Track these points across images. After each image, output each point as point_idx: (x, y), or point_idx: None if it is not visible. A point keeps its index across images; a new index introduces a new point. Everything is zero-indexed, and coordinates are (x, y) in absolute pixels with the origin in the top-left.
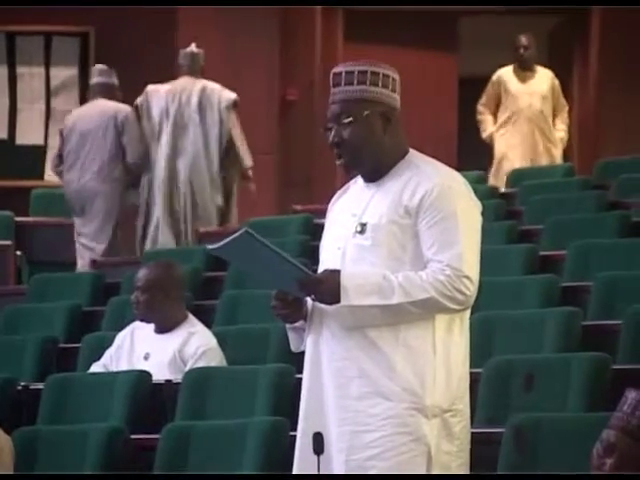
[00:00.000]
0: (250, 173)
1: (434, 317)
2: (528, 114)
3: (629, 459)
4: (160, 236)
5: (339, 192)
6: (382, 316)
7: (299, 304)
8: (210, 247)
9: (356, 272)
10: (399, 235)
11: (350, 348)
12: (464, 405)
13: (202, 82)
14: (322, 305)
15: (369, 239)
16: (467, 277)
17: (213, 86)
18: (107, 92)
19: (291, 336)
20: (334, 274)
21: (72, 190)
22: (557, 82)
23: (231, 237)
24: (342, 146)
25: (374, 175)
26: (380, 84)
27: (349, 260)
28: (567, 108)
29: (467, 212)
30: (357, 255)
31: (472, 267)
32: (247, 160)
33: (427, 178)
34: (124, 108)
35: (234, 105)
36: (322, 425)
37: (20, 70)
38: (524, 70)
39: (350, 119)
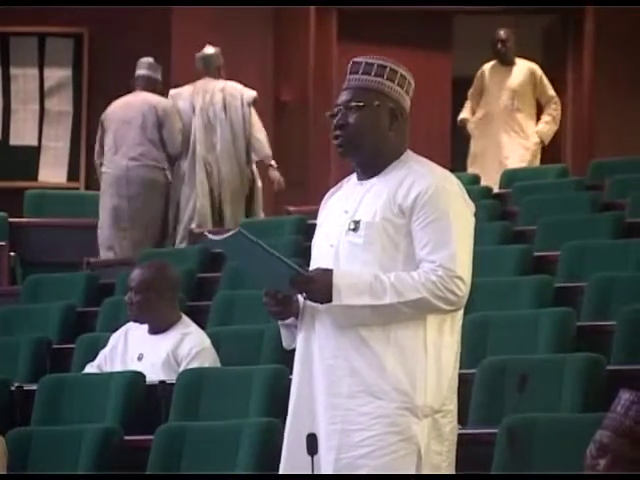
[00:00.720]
0: (273, 162)
1: (425, 317)
2: (497, 113)
3: (622, 460)
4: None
5: (332, 190)
6: (373, 316)
7: (289, 301)
8: (211, 237)
9: (348, 271)
10: (392, 234)
11: (341, 347)
12: (454, 406)
13: (221, 82)
14: (314, 304)
15: (362, 237)
16: (459, 277)
17: (233, 84)
18: (150, 85)
19: (283, 333)
20: (326, 273)
21: (115, 176)
22: (540, 73)
23: (224, 236)
24: (345, 129)
25: (368, 169)
26: (396, 82)
27: (342, 258)
28: (556, 99)
29: (460, 213)
30: (350, 253)
31: (464, 268)
32: (268, 150)
33: (422, 178)
34: (165, 101)
35: (254, 102)
36: (311, 423)
37: (14, 71)
38: (503, 65)
39: (360, 104)
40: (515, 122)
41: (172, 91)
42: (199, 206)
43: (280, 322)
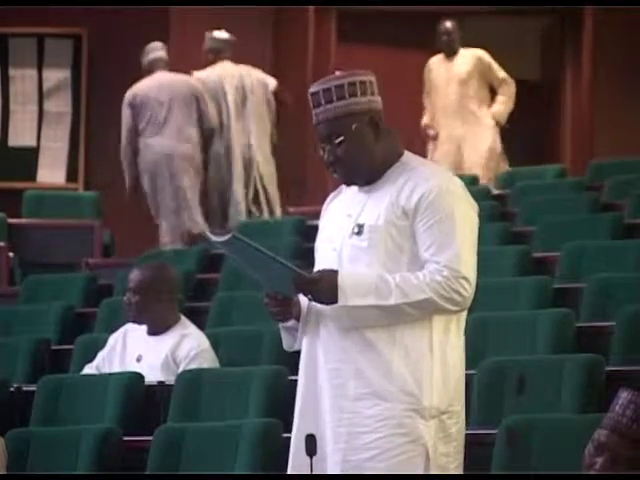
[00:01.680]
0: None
1: (431, 318)
2: (450, 106)
3: (619, 458)
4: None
5: (333, 194)
6: (379, 317)
7: (289, 303)
8: (210, 237)
9: (353, 272)
10: (396, 236)
11: (347, 349)
12: (461, 406)
13: (242, 66)
14: (319, 305)
15: (366, 240)
16: (465, 278)
17: (255, 70)
18: (169, 66)
19: (283, 335)
20: (331, 274)
21: (161, 156)
22: (487, 59)
23: (220, 239)
24: (338, 164)
25: (371, 180)
26: (359, 92)
27: (345, 261)
28: (508, 80)
29: (464, 214)
30: (353, 256)
31: (470, 268)
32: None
33: (424, 180)
34: (194, 79)
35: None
36: (317, 425)
37: (12, 72)
38: (448, 57)
39: (341, 138)
40: (468, 112)
41: (197, 73)
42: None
43: (281, 324)
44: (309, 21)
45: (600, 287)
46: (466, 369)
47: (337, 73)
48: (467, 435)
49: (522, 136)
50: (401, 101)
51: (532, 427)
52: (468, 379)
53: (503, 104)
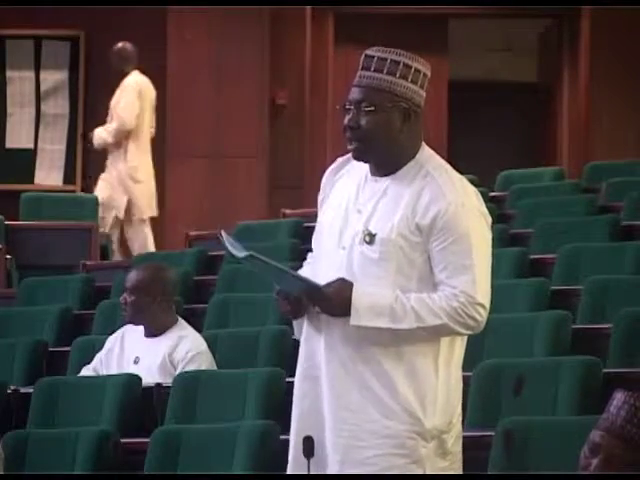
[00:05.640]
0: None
1: (439, 338)
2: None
3: (614, 459)
4: None
5: (339, 162)
6: (391, 337)
7: (300, 302)
8: (224, 241)
9: (368, 292)
10: (408, 251)
11: (352, 358)
12: (457, 417)
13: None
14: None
15: (377, 252)
16: (480, 304)
17: None
18: None
19: (295, 326)
20: (345, 288)
21: None
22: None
23: (237, 254)
24: (356, 132)
25: (381, 168)
26: (410, 78)
27: (355, 268)
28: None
29: (479, 232)
30: (364, 265)
31: (485, 294)
32: None
33: (441, 195)
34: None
35: None
36: (318, 429)
37: (10, 74)
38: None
39: (371, 108)
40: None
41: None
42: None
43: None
44: (306, 23)
45: (597, 289)
46: (463, 371)
47: (399, 50)
48: (464, 437)
49: (519, 138)
50: None
51: (529, 429)
52: (465, 381)
53: (105, 131)
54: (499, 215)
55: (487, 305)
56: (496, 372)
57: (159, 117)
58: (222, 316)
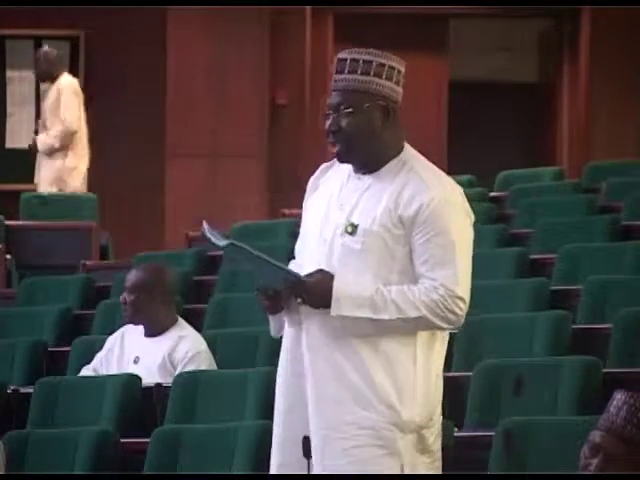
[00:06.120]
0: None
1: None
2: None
3: (614, 459)
4: None
5: (324, 166)
6: (370, 328)
7: (280, 297)
8: (206, 232)
9: (349, 282)
10: (390, 243)
11: (330, 350)
12: (438, 415)
13: None
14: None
15: (359, 243)
16: (460, 298)
17: None
18: None
19: (271, 322)
20: (325, 280)
21: None
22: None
23: (218, 243)
24: (338, 134)
25: (365, 167)
26: (384, 76)
27: (336, 259)
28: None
29: (462, 228)
30: (345, 257)
31: (465, 288)
32: None
33: (424, 189)
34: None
35: None
36: (304, 423)
37: (10, 74)
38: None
39: (350, 109)
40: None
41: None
42: None
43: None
44: (306, 22)
45: (597, 289)
46: (463, 371)
47: (372, 49)
48: (464, 437)
49: (519, 138)
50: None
51: (529, 429)
52: (465, 381)
53: (50, 136)
54: (499, 215)
55: (467, 300)
56: (496, 372)
57: (159, 117)
58: (222, 316)
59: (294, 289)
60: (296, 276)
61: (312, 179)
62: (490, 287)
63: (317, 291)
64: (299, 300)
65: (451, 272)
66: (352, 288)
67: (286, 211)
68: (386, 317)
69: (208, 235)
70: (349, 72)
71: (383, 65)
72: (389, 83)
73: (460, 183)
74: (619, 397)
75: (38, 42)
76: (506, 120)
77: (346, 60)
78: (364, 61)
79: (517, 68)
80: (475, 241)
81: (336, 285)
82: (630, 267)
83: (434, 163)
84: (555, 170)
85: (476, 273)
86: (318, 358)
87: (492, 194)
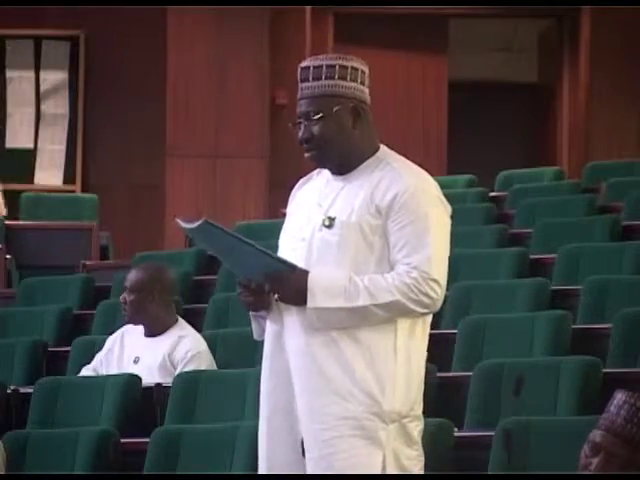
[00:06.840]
0: None
1: (396, 320)
2: None
3: (614, 459)
4: None
5: (302, 180)
6: (348, 319)
7: (262, 291)
8: (181, 225)
9: (323, 274)
10: (368, 234)
11: (310, 344)
12: (419, 403)
13: None
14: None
15: (337, 235)
16: (434, 280)
17: None
18: None
19: (253, 324)
20: (301, 275)
21: None
22: None
23: (190, 226)
24: (311, 142)
25: (342, 169)
26: (349, 78)
27: (315, 255)
28: None
29: (438, 216)
30: (323, 251)
31: (440, 271)
32: None
33: (400, 179)
34: None
35: None
36: (292, 420)
37: (10, 74)
38: None
39: (320, 115)
40: None
41: None
42: None
43: (251, 313)
44: (306, 23)
45: (597, 289)
46: (463, 371)
47: (332, 54)
48: (464, 437)
49: (519, 138)
50: (399, 102)
51: (529, 429)
52: (465, 381)
53: None
54: (499, 215)
55: (443, 283)
56: (496, 372)
57: (159, 117)
58: (222, 316)
59: (272, 277)
60: (274, 257)
61: (293, 192)
62: (490, 287)
63: (293, 288)
64: (276, 297)
65: (425, 255)
66: (325, 280)
67: (283, 211)
68: (360, 304)
69: (182, 225)
70: (314, 79)
71: (346, 67)
72: (355, 84)
73: (460, 183)
74: (619, 397)
75: (38, 42)
76: (506, 120)
77: (309, 68)
78: (327, 66)
79: (517, 68)
80: (475, 241)
81: (310, 279)
82: (630, 267)
83: (434, 163)
84: (555, 170)
85: (476, 273)
86: (299, 352)
87: (492, 194)
